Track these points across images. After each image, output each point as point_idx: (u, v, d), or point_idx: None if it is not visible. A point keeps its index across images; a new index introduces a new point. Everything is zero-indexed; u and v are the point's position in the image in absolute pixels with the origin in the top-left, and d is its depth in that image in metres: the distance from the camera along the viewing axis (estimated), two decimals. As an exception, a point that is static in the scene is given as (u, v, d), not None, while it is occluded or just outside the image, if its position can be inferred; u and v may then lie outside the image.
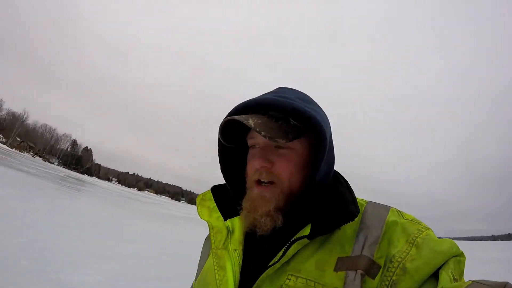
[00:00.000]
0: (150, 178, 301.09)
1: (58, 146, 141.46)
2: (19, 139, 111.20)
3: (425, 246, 0.75)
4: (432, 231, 0.81)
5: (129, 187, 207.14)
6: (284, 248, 0.81)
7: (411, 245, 0.75)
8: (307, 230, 0.80)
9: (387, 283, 0.73)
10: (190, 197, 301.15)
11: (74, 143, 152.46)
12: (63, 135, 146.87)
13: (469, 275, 0.74)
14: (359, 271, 0.74)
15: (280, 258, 0.80)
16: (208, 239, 1.07)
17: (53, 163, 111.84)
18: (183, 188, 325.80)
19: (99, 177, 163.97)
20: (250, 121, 0.81)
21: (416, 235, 0.77)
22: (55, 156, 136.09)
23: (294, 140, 0.85)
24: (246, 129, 0.97)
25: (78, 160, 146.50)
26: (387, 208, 0.87)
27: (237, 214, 0.95)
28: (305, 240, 0.79)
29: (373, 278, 0.74)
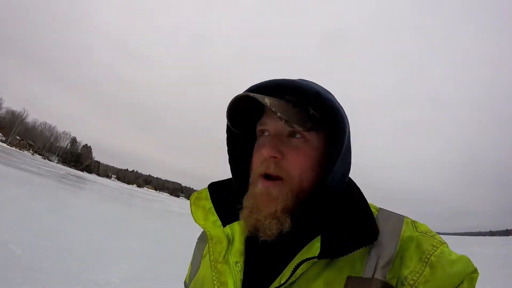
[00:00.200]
0: (149, 174, 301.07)
1: (57, 144, 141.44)
2: (18, 138, 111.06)
3: (440, 267, 0.69)
4: (447, 246, 0.74)
5: (129, 183, 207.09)
6: (292, 269, 0.72)
7: (424, 264, 0.70)
8: (316, 246, 0.73)
9: None
10: (189, 193, 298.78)
11: (74, 141, 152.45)
12: (62, 132, 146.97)
13: None
14: None
15: (287, 280, 0.72)
16: (201, 240, 1.00)
17: (53, 161, 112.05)
18: (182, 184, 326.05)
19: (98, 174, 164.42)
20: (266, 99, 0.72)
21: (431, 253, 0.71)
22: (55, 154, 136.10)
23: (311, 130, 0.77)
24: (258, 115, 0.86)
25: (78, 158, 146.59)
26: (400, 219, 0.79)
27: (237, 218, 0.84)
28: (314, 260, 0.71)
29: None
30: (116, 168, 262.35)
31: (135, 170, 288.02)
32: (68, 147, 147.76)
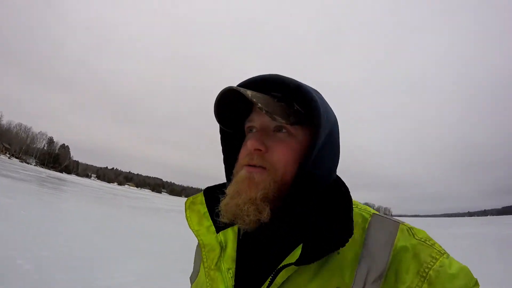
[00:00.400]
0: (129, 171, 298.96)
1: (34, 145, 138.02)
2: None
3: (439, 283, 0.65)
4: (447, 257, 0.70)
5: (109, 182, 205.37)
6: (271, 276, 0.72)
7: (422, 279, 0.66)
8: (296, 256, 0.71)
9: None
10: (171, 188, 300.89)
11: (51, 141, 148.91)
12: (38, 133, 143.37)
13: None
14: None
15: (268, 286, 0.72)
16: (199, 247, 0.96)
17: (31, 164, 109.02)
18: (163, 180, 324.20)
19: (78, 174, 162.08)
20: (248, 92, 0.73)
21: (429, 266, 0.67)
22: (32, 156, 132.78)
23: (295, 124, 0.79)
24: (247, 113, 0.87)
25: (56, 159, 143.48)
26: (395, 227, 0.74)
27: (231, 224, 0.81)
28: (294, 267, 0.70)
29: None
30: (96, 166, 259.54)
31: (114, 168, 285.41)
32: (45, 148, 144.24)
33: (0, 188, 17.61)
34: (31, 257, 5.94)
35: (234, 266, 0.81)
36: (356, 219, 0.77)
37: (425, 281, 0.66)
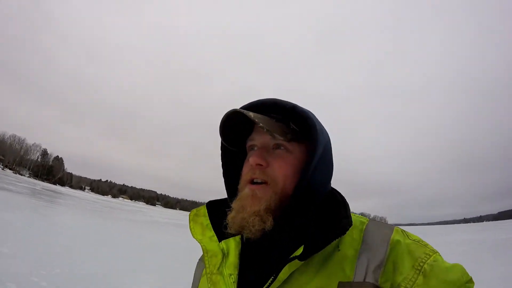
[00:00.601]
0: (123, 184, 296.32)
1: (28, 157, 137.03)
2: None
3: (433, 275, 0.71)
4: (440, 255, 0.77)
5: (103, 194, 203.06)
6: (275, 273, 0.77)
7: (418, 272, 0.71)
8: (299, 251, 0.76)
9: None
10: (165, 201, 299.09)
11: (45, 153, 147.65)
12: (32, 145, 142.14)
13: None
14: None
15: (271, 283, 0.76)
16: (201, 261, 1.04)
17: (24, 175, 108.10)
18: (157, 192, 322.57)
19: (71, 187, 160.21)
20: (251, 114, 0.82)
21: (424, 261, 0.73)
22: (26, 167, 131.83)
23: (292, 141, 0.88)
24: (248, 132, 0.96)
25: (49, 171, 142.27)
26: (390, 228, 0.83)
27: (233, 235, 0.89)
28: (298, 262, 0.74)
29: None
30: (89, 179, 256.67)
31: (108, 180, 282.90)
32: (39, 159, 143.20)
33: (1, 202, 17.56)
34: (45, 274, 6.04)
35: (236, 273, 0.84)
36: (354, 223, 0.84)
37: (420, 273, 0.71)
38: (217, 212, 0.97)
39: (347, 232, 0.77)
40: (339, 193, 0.91)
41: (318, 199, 0.86)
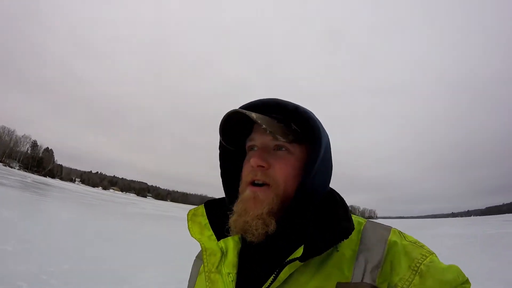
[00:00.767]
0: (114, 175, 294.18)
1: (17, 149, 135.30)
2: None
3: (430, 276, 0.71)
4: (436, 256, 0.78)
5: (94, 186, 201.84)
6: (275, 272, 0.77)
7: (414, 272, 0.72)
8: (299, 252, 0.76)
9: None
10: (156, 192, 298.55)
11: (34, 145, 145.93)
12: (22, 136, 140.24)
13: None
14: None
15: (271, 283, 0.76)
16: (198, 258, 1.03)
17: (14, 168, 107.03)
18: (148, 184, 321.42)
19: (61, 179, 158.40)
20: (253, 114, 0.81)
21: (420, 261, 0.74)
22: (15, 159, 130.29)
23: (293, 142, 0.87)
24: (248, 132, 0.96)
25: (39, 163, 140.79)
26: (388, 229, 0.84)
27: (231, 234, 0.89)
28: (297, 263, 0.74)
29: None
30: (80, 170, 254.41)
31: (99, 172, 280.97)
32: (28, 151, 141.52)
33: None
34: (54, 271, 6.11)
35: (235, 272, 0.84)
36: None
37: (417, 273, 0.72)
38: (215, 211, 0.97)
39: None
40: (338, 194, 0.92)
41: (318, 200, 0.85)
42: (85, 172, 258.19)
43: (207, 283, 0.87)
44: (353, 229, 0.77)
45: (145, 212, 38.38)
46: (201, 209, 0.98)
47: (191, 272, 1.04)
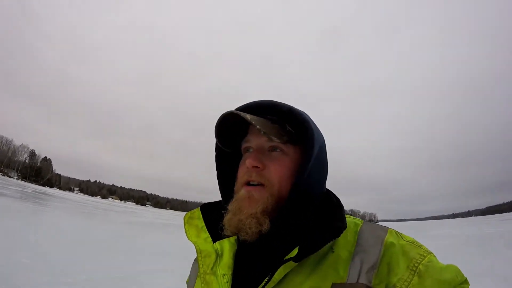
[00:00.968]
0: (113, 184, 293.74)
1: (15, 158, 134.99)
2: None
3: (428, 276, 0.71)
4: (434, 256, 0.77)
5: (92, 195, 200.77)
6: (270, 273, 0.77)
7: (413, 272, 0.72)
8: (294, 252, 0.75)
9: None
10: (155, 201, 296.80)
11: (32, 154, 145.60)
12: (20, 145, 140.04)
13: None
14: None
15: (266, 283, 0.76)
16: (197, 261, 0.99)
17: (13, 177, 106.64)
18: (147, 192, 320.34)
19: (60, 188, 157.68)
20: (248, 116, 0.81)
21: (418, 261, 0.73)
22: (13, 169, 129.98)
23: (288, 143, 0.88)
24: (243, 134, 0.96)
25: (38, 172, 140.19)
26: (384, 229, 0.84)
27: (227, 236, 0.90)
28: (292, 263, 0.74)
29: None
30: (78, 180, 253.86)
31: (97, 181, 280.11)
32: (27, 161, 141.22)
33: (4, 209, 17.86)
34: (72, 282, 6.25)
35: (230, 273, 0.84)
36: (349, 224, 0.85)
37: (415, 274, 0.71)
38: (211, 214, 0.98)
39: (341, 234, 0.78)
40: (334, 195, 0.93)
41: (313, 200, 0.86)
42: (83, 181, 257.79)
43: (202, 285, 0.88)
44: (345, 228, 0.78)
45: (147, 221, 38.45)
46: (197, 212, 1.00)
47: (190, 274, 1.07)
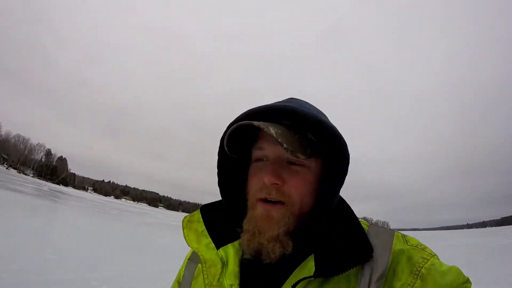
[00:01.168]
0: (126, 185, 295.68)
1: (32, 157, 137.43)
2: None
3: (431, 279, 0.70)
4: (437, 258, 0.76)
5: (106, 195, 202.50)
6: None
7: (416, 276, 0.70)
8: (310, 265, 0.74)
9: None
10: (168, 203, 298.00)
11: (49, 153, 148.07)
12: (36, 144, 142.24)
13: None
14: None
15: None
16: (192, 261, 0.96)
17: (28, 175, 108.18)
18: (160, 194, 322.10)
19: (74, 187, 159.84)
20: (271, 129, 0.72)
21: (421, 265, 0.72)
22: (30, 167, 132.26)
23: (312, 157, 0.80)
24: (252, 137, 0.88)
25: (53, 171, 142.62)
26: (391, 234, 0.80)
27: (230, 240, 0.85)
28: (312, 280, 0.72)
29: None
30: (92, 179, 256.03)
31: (111, 181, 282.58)
32: (43, 159, 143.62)
33: (19, 205, 18.22)
34: (100, 278, 6.44)
35: (237, 283, 0.80)
36: None
37: (418, 277, 0.70)
38: (212, 216, 0.92)
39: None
40: (345, 201, 0.88)
41: (332, 212, 0.82)
42: (97, 181, 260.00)
43: None
44: (371, 251, 0.74)
45: (162, 222, 39.06)
46: (197, 214, 0.93)
47: (183, 275, 0.98)
